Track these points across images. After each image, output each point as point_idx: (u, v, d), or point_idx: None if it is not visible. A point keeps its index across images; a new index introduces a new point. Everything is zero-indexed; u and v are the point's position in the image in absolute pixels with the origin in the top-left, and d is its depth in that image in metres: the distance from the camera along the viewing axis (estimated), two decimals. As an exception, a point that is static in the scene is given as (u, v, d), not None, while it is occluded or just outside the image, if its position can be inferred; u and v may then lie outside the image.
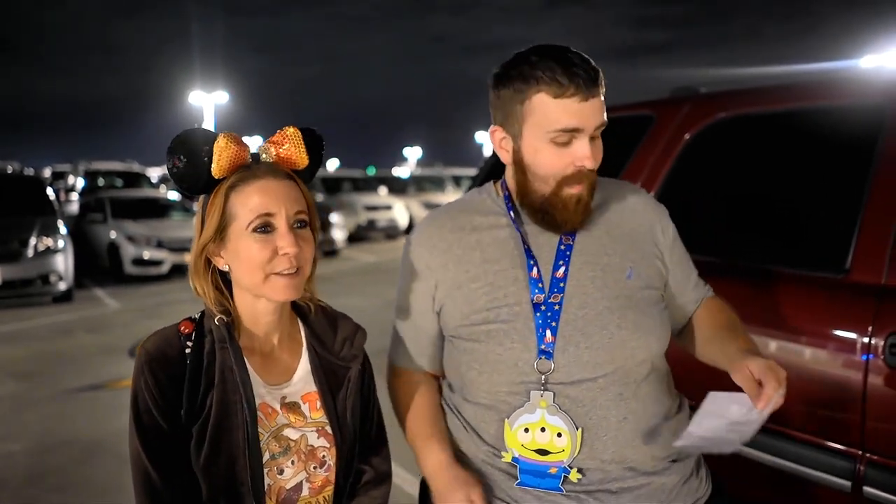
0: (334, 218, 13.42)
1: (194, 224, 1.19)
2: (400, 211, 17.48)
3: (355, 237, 16.07)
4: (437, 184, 21.87)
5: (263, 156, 1.17)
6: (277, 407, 1.19)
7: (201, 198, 1.18)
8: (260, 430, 1.15)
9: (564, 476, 1.19)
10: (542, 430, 1.20)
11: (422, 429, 1.34)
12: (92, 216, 11.19)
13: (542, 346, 1.21)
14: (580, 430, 1.20)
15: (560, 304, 1.23)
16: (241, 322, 1.20)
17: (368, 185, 20.02)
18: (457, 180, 22.67)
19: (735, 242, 2.26)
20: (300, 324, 1.30)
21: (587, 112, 1.18)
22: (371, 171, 25.76)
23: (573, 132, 1.19)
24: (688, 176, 2.45)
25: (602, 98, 1.21)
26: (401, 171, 29.74)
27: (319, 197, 16.13)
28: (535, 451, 1.20)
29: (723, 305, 1.45)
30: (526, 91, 1.21)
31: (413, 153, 73.42)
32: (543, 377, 1.21)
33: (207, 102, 37.65)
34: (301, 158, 1.18)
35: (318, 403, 1.23)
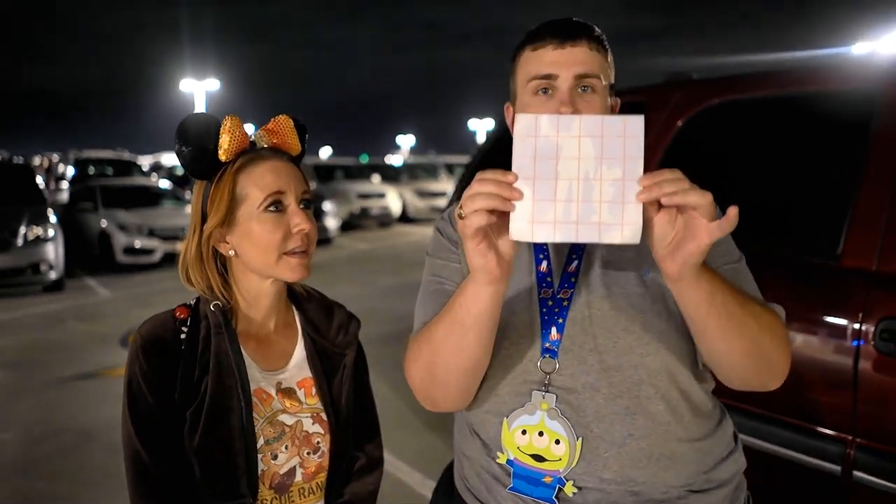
0: (327, 206, 13.38)
1: (192, 213, 1.19)
2: (393, 199, 17.45)
3: (348, 225, 16.04)
4: (431, 171, 21.81)
5: (259, 143, 1.18)
6: (273, 392, 1.20)
7: (199, 185, 1.18)
8: (255, 415, 1.15)
9: (559, 488, 1.10)
10: (541, 434, 1.12)
11: (448, 303, 1.09)
12: (82, 205, 11.11)
13: (547, 344, 1.14)
14: (580, 439, 1.10)
15: (569, 300, 1.15)
16: (239, 307, 1.21)
17: (361, 173, 19.97)
18: (450, 168, 22.64)
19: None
20: (295, 310, 1.30)
21: (561, 58, 1.16)
22: (364, 159, 25.67)
23: (548, 79, 1.17)
24: (680, 163, 2.44)
25: (590, 50, 1.17)
26: (394, 159, 29.65)
27: (312, 185, 16.05)
28: (531, 455, 1.12)
29: (775, 318, 1.12)
30: (517, 54, 1.24)
31: (406, 141, 73.45)
32: (547, 377, 1.13)
33: (198, 90, 37.47)
34: (294, 145, 1.21)
35: (314, 389, 1.24)
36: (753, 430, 1.97)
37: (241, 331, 1.20)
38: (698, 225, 0.88)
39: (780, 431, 1.92)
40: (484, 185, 0.89)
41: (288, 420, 1.19)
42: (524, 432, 1.13)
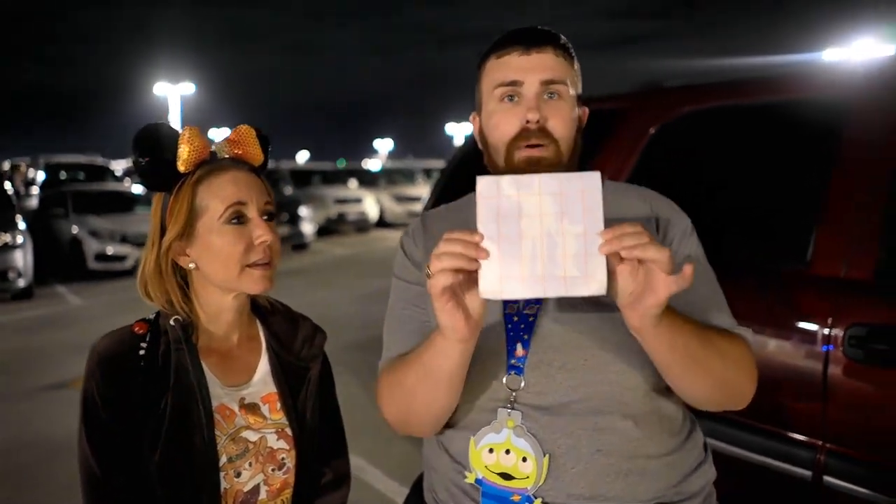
0: (303, 211, 13.28)
1: (150, 226, 1.17)
2: (370, 204, 17.42)
3: (325, 230, 15.97)
4: (408, 176, 21.78)
5: (220, 154, 1.17)
6: (236, 408, 1.18)
7: (157, 197, 1.16)
8: (217, 432, 1.13)
9: None
10: (508, 452, 1.10)
11: (418, 349, 1.11)
12: (53, 211, 10.93)
13: (512, 361, 1.12)
14: (547, 456, 1.08)
15: (535, 315, 1.13)
16: (200, 322, 1.19)
17: (338, 177, 19.89)
18: (427, 173, 22.63)
19: (703, 235, 2.28)
20: (259, 324, 1.28)
21: (527, 64, 1.15)
22: (341, 164, 25.59)
23: (514, 85, 1.16)
24: (653, 171, 2.46)
25: (556, 57, 1.17)
26: (371, 164, 29.60)
27: (289, 190, 16.00)
28: (498, 474, 1.10)
29: (740, 346, 1.14)
30: (482, 63, 1.23)
31: (384, 145, 73.34)
32: (513, 395, 1.11)
33: (173, 94, 37.10)
34: (257, 155, 1.20)
35: (278, 404, 1.22)
36: (724, 436, 1.98)
37: (202, 346, 1.18)
38: (657, 278, 0.90)
39: (752, 437, 1.93)
40: (450, 245, 0.92)
41: (251, 436, 1.17)
42: (491, 451, 1.11)
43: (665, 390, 1.14)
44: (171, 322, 1.14)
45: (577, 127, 1.21)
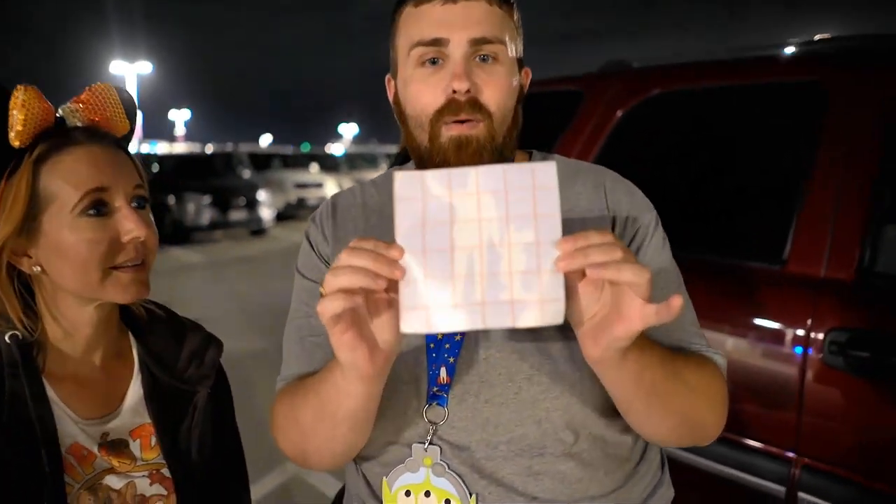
0: (262, 195, 13.07)
1: None
2: (332, 188, 17.18)
3: (284, 215, 15.71)
4: (371, 161, 21.67)
5: (71, 122, 0.92)
6: (94, 448, 0.94)
7: None
8: (69, 480, 0.89)
9: None
10: (427, 494, 0.94)
11: (314, 380, 0.92)
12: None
13: (434, 389, 0.94)
14: (474, 496, 0.92)
15: (463, 335, 0.95)
16: (48, 339, 0.95)
17: (299, 162, 19.62)
18: (390, 157, 22.52)
19: (669, 229, 2.13)
20: (132, 338, 1.04)
21: (452, 17, 0.91)
22: (306, 148, 25.28)
23: (436, 45, 0.91)
24: (621, 157, 2.28)
25: (490, 5, 0.93)
26: (335, 148, 29.32)
27: (247, 174, 15.65)
28: None
29: (712, 375, 0.96)
30: (396, 13, 0.99)
31: (349, 129, 72.96)
32: (432, 427, 0.93)
33: (130, 72, 36.20)
34: (120, 123, 0.96)
35: (153, 440, 0.99)
36: (693, 447, 1.84)
37: (51, 370, 0.94)
38: (631, 305, 0.70)
39: (721, 448, 1.81)
40: (355, 257, 0.70)
41: (116, 483, 0.94)
42: (408, 493, 0.94)
43: (612, 417, 0.95)
44: (7, 339, 0.90)
45: (518, 96, 0.99)
